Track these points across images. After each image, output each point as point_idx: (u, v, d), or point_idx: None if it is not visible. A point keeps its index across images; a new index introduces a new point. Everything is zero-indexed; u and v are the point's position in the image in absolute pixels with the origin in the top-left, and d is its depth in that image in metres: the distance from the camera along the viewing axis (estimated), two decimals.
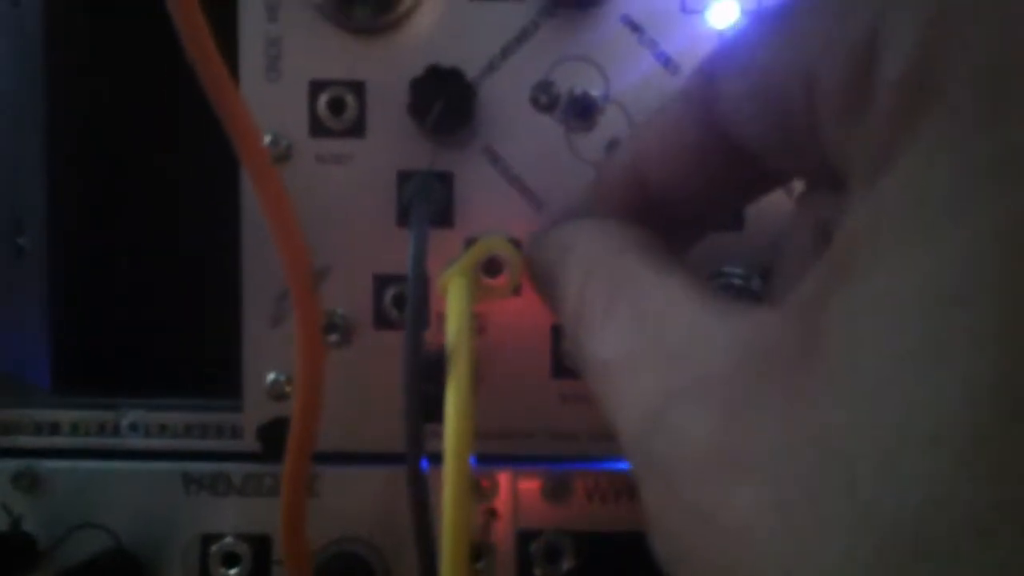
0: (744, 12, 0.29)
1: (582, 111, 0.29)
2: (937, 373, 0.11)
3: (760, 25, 0.17)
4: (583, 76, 0.29)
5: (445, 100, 0.26)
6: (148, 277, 0.37)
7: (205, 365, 0.32)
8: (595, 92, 0.29)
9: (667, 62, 0.29)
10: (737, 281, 0.27)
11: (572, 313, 0.20)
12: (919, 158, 0.12)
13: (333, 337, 0.29)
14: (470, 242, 0.30)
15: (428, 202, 0.26)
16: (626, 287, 0.18)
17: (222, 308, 0.30)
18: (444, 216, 0.30)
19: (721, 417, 0.14)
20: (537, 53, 0.29)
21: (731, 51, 0.18)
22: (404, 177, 0.29)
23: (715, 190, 0.20)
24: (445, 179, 0.30)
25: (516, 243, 0.30)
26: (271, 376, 0.30)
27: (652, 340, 0.16)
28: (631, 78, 0.29)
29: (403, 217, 0.28)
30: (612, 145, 0.29)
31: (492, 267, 0.26)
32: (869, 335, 0.12)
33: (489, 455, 0.30)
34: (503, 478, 0.30)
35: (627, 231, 0.20)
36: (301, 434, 0.26)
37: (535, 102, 0.29)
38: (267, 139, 0.29)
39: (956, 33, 0.12)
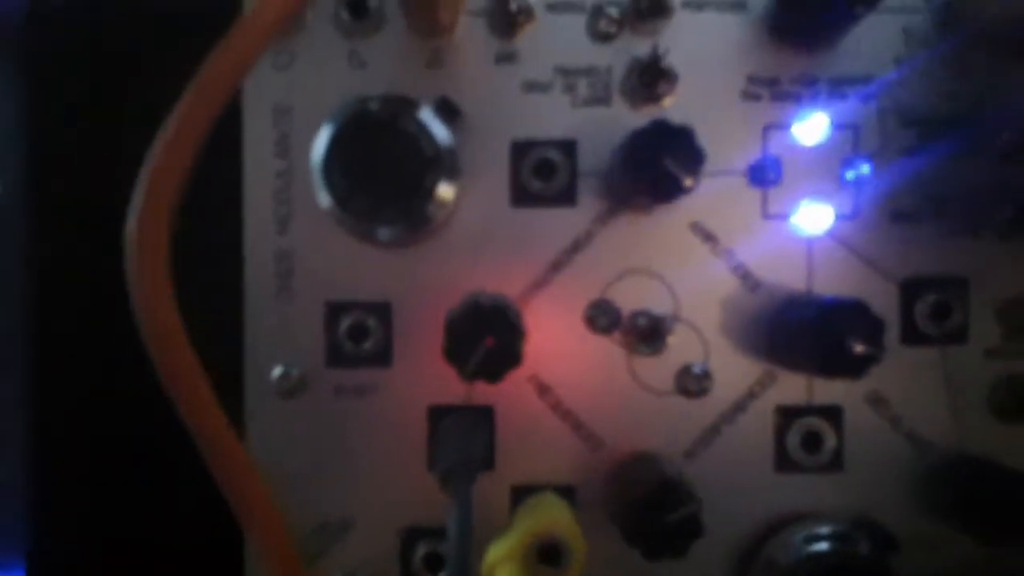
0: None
1: (647, 333, 0.25)
2: None
3: None
4: (646, 292, 0.25)
5: (489, 343, 0.22)
6: None
7: None
8: (660, 311, 0.25)
9: (745, 276, 0.25)
10: None
11: None
12: None
13: None
14: (516, 491, 0.25)
15: (471, 470, 0.21)
16: None
17: None
18: (484, 457, 0.25)
19: None
20: (592, 266, 0.25)
21: None
22: (436, 414, 0.25)
23: None
24: (484, 415, 0.25)
25: (570, 492, 0.25)
26: None
27: None
28: (703, 293, 0.25)
29: (441, 482, 0.23)
30: (683, 373, 0.25)
31: (550, 554, 0.21)
32: None
33: None
34: None
35: None
36: None
37: (591, 323, 0.25)
38: (276, 371, 0.25)
39: None
